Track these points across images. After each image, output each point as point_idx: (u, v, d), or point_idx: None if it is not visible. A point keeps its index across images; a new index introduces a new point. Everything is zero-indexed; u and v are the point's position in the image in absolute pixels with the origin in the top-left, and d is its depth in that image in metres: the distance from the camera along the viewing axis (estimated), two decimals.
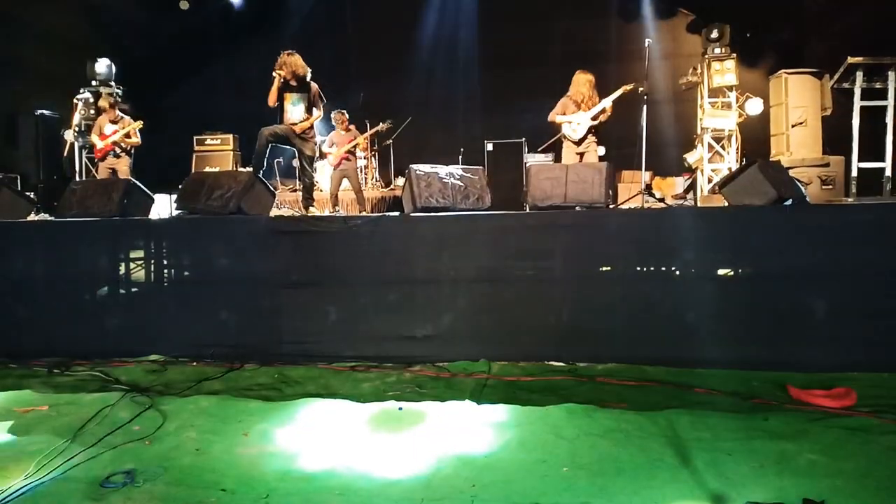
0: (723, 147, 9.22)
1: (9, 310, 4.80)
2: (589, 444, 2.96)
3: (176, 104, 11.09)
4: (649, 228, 4.47)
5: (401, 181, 9.49)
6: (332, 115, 8.54)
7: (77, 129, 8.99)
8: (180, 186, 5.14)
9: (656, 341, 4.19)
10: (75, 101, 9.04)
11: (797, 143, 8.47)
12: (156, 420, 3.35)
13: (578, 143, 7.06)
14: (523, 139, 9.67)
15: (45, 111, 9.59)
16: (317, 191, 8.71)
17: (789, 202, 4.48)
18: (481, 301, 4.44)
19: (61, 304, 4.80)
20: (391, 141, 10.55)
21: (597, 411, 3.34)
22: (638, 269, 4.49)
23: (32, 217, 5.88)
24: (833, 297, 4.11)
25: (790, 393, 3.54)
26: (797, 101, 8.51)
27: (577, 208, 4.80)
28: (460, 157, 9.98)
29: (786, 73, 8.63)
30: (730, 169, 8.82)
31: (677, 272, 4.43)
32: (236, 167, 10.47)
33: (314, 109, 6.54)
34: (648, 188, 7.63)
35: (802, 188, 4.95)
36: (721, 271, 4.38)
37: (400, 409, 3.50)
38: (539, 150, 9.41)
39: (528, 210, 4.99)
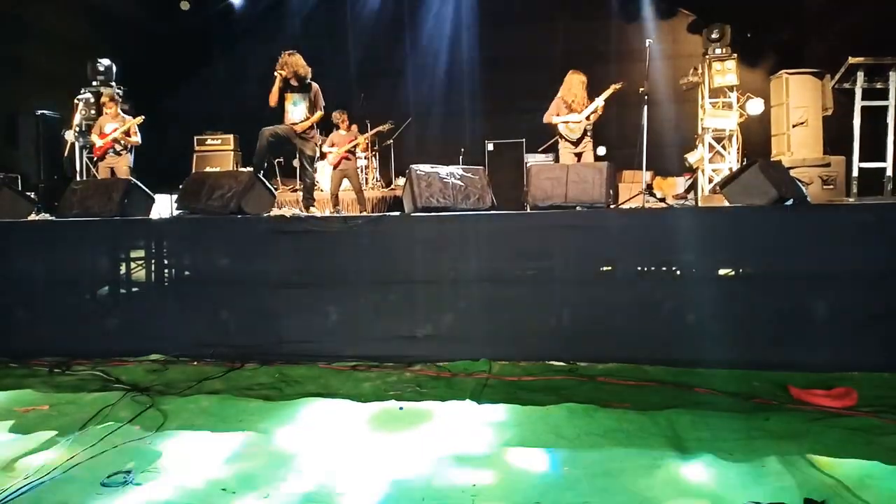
0: (724, 147, 9.22)
1: (9, 309, 4.81)
2: (590, 444, 2.96)
3: (176, 104, 11.09)
4: (650, 228, 4.46)
5: (401, 181, 9.48)
6: (333, 115, 8.54)
7: (78, 129, 8.98)
8: (181, 186, 5.14)
9: (657, 341, 4.19)
10: (76, 101, 9.04)
11: (798, 144, 8.47)
12: (156, 419, 3.35)
13: (575, 143, 7.08)
14: (524, 139, 9.67)
15: (45, 111, 9.59)
16: (317, 191, 8.71)
17: (790, 202, 4.47)
18: (482, 301, 4.43)
19: (62, 304, 4.80)
20: (392, 141, 10.55)
21: (597, 411, 3.33)
22: (639, 269, 4.49)
23: (33, 217, 5.87)
24: (834, 296, 4.10)
25: (791, 393, 3.54)
26: (798, 102, 8.51)
27: (578, 208, 4.79)
28: (461, 157, 9.98)
29: (787, 73, 8.63)
30: (731, 169, 8.82)
31: (678, 272, 4.43)
32: (237, 167, 10.47)
33: (315, 109, 6.54)
34: (649, 188, 7.62)
35: (803, 188, 4.94)
36: (722, 271, 4.37)
37: (401, 408, 3.50)
38: (539, 150, 9.42)
39: (528, 210, 4.99)
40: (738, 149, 9.18)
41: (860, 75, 7.10)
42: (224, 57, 11.49)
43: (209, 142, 10.81)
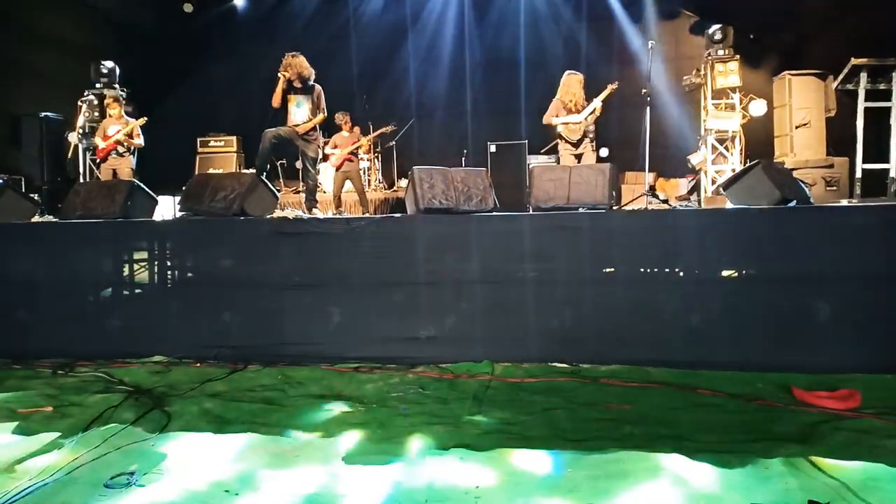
0: (726, 148, 9.21)
1: (13, 311, 4.82)
2: (592, 446, 2.95)
3: (179, 106, 11.11)
4: (653, 230, 4.45)
5: (404, 183, 9.49)
6: (336, 117, 8.55)
7: (81, 131, 9.01)
8: (184, 188, 5.15)
9: (660, 343, 4.19)
10: (79, 103, 9.06)
11: (801, 145, 8.46)
12: (159, 421, 3.35)
13: (575, 144, 7.08)
14: (526, 141, 9.67)
15: (49, 113, 9.62)
16: (320, 192, 8.71)
17: (793, 203, 4.47)
18: (484, 302, 4.43)
19: (65, 306, 4.82)
20: (394, 142, 10.56)
21: (600, 413, 3.33)
22: (641, 270, 4.48)
23: (36, 219, 5.89)
24: (837, 298, 4.09)
25: (794, 394, 3.53)
26: (801, 103, 8.50)
27: (581, 210, 4.79)
28: (463, 158, 9.99)
29: (789, 74, 8.62)
30: (733, 170, 8.80)
31: (681, 273, 4.43)
32: (239, 169, 10.49)
33: (318, 111, 6.55)
34: (652, 189, 7.62)
35: (806, 189, 4.94)
36: (725, 273, 4.37)
37: (404, 409, 3.49)
38: (542, 151, 9.42)
39: (531, 211, 4.98)
40: (741, 150, 9.16)
41: (863, 76, 7.09)
42: (227, 59, 11.53)
43: (212, 143, 10.83)
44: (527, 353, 4.29)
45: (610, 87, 6.99)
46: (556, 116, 7.09)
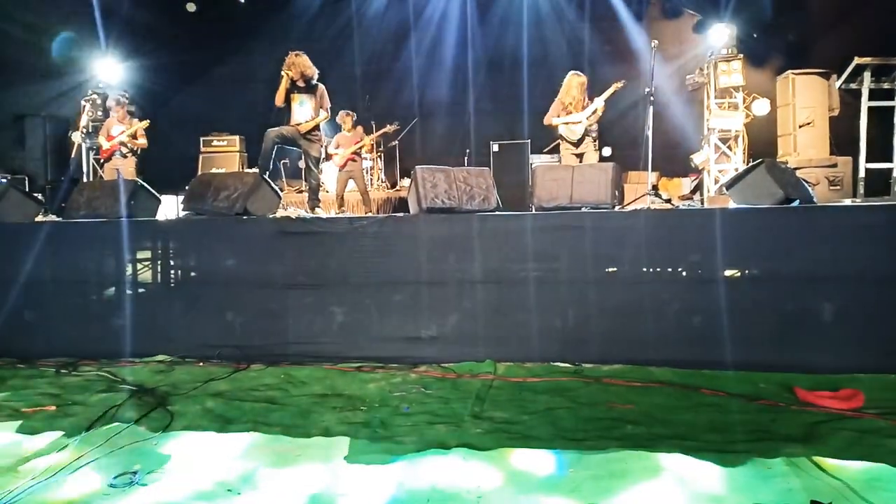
0: (729, 148, 9.20)
1: (17, 310, 4.83)
2: (595, 445, 2.95)
3: (182, 105, 11.14)
4: (656, 229, 4.45)
5: (407, 182, 9.50)
6: (339, 116, 8.56)
7: (84, 130, 9.03)
8: (187, 188, 5.16)
9: (662, 342, 4.19)
10: (83, 102, 9.09)
11: (804, 144, 8.44)
12: (163, 420, 3.36)
13: (576, 144, 7.08)
14: (529, 140, 9.67)
15: (52, 113, 9.65)
16: (323, 192, 8.73)
17: (796, 203, 4.46)
18: (487, 302, 4.44)
19: (68, 305, 4.83)
20: (397, 142, 10.56)
21: (603, 412, 3.33)
22: (644, 269, 4.47)
23: (40, 218, 5.90)
24: (840, 298, 4.08)
25: (797, 394, 3.53)
26: (804, 102, 8.49)
27: (583, 209, 4.79)
28: (466, 158, 9.99)
29: (793, 73, 8.61)
30: (736, 169, 8.79)
31: (683, 273, 4.42)
32: (242, 168, 10.49)
33: (321, 110, 6.55)
34: (655, 189, 7.62)
35: (810, 189, 4.93)
36: (728, 272, 4.36)
37: (406, 408, 3.50)
38: (544, 151, 9.42)
39: (533, 211, 4.98)
40: (744, 149, 9.15)
41: (867, 75, 7.08)
42: (230, 58, 11.53)
43: (215, 143, 10.84)
44: (529, 353, 4.30)
45: (615, 85, 6.98)
46: (557, 117, 7.09)
